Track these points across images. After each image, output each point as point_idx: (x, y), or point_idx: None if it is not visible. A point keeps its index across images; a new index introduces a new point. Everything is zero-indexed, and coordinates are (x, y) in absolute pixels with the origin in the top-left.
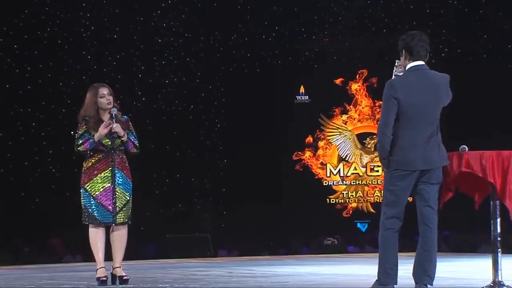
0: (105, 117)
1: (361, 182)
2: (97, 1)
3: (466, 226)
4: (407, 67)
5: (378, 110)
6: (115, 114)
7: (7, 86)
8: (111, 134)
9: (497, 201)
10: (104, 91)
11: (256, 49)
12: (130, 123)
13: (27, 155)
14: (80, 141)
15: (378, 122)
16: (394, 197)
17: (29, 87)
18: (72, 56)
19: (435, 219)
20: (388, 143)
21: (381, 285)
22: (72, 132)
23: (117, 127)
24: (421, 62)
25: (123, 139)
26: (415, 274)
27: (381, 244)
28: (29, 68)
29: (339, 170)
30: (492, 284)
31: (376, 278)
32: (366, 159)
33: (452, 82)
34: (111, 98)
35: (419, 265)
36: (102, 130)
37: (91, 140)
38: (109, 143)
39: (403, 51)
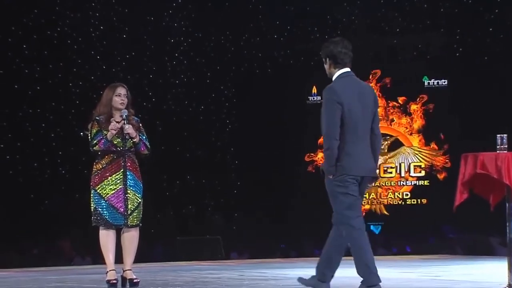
0: (117, 117)
1: (375, 184)
2: (106, 1)
3: (481, 228)
4: (336, 74)
5: (391, 110)
6: (126, 115)
7: (16, 86)
8: (123, 136)
9: None
10: (122, 91)
11: (267, 48)
12: (140, 124)
13: (36, 156)
14: (95, 141)
15: (323, 130)
16: (351, 199)
17: (38, 88)
18: (81, 56)
19: None
20: (336, 148)
21: (370, 286)
22: (81, 133)
23: (129, 128)
24: (348, 69)
25: (135, 140)
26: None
27: (357, 245)
28: (38, 68)
29: None
30: (508, 287)
31: (361, 279)
32: (379, 160)
33: (467, 81)
34: (126, 100)
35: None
36: (113, 127)
37: (104, 140)
38: (121, 144)
39: (327, 59)
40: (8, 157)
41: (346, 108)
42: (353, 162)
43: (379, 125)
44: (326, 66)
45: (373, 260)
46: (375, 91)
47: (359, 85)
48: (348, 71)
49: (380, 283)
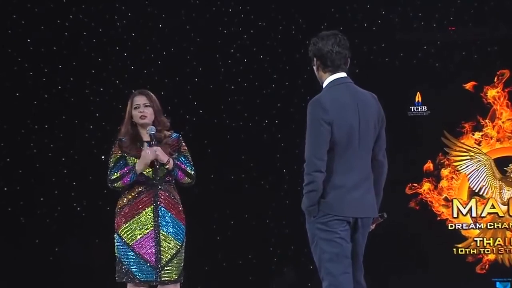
0: (145, 135)
1: (502, 225)
2: None
3: None
4: (327, 81)
5: None
6: (153, 134)
7: (17, 94)
8: (153, 161)
9: None
10: (140, 100)
11: (354, 41)
12: (182, 143)
13: (42, 188)
14: (115, 175)
15: (306, 154)
16: (336, 249)
17: (45, 96)
18: (101, 53)
19: None
20: (321, 182)
21: None
22: (103, 157)
23: (157, 151)
24: (344, 74)
25: (167, 166)
26: None
27: None
28: (45, 70)
29: (470, 209)
30: None
31: None
32: (508, 193)
33: None
34: (147, 110)
35: None
36: (146, 159)
37: (131, 174)
38: (151, 172)
39: (315, 59)
40: (5, 189)
41: (336, 127)
42: (342, 198)
43: (385, 147)
44: (315, 69)
45: None
46: (378, 102)
47: (358, 95)
48: (343, 77)
49: None
